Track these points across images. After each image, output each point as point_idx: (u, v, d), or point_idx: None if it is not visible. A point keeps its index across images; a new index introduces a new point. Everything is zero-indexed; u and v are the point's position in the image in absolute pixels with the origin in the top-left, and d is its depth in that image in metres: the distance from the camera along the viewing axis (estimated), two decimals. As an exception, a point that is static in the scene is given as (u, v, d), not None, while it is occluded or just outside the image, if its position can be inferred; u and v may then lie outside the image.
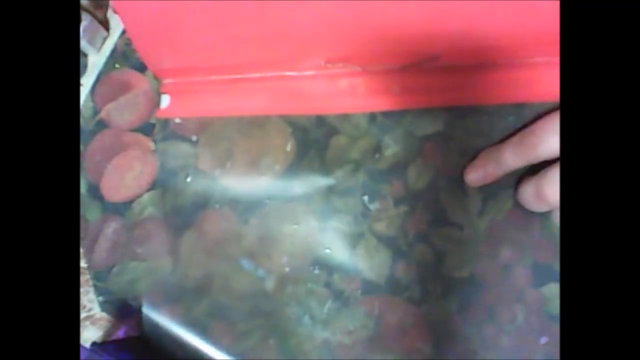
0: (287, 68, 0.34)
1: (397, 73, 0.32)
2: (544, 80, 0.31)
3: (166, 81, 0.36)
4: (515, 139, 0.30)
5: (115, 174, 0.36)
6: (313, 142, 0.34)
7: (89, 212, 0.36)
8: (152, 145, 0.36)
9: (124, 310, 0.36)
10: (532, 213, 0.31)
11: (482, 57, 0.31)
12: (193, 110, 0.35)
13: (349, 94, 0.33)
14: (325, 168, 0.34)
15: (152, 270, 0.35)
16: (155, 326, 0.35)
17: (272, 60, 0.33)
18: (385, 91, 0.33)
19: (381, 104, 0.33)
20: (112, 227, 0.36)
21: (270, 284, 0.34)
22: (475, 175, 0.31)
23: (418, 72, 0.32)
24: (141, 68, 0.37)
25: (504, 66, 0.31)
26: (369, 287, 0.33)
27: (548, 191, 0.28)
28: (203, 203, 0.35)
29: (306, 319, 0.33)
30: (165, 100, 0.36)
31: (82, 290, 0.36)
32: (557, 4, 0.25)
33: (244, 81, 0.35)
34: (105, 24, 0.38)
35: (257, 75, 0.34)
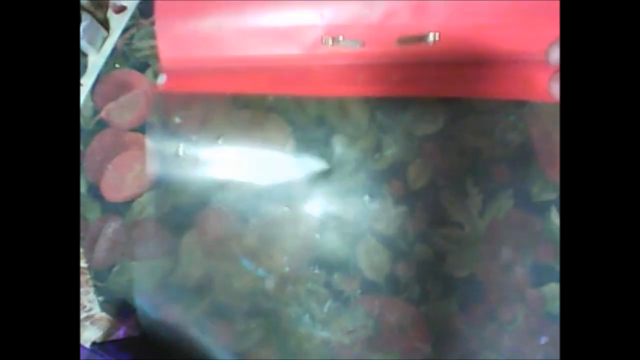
0: (287, 39, 0.33)
1: (398, 66, 0.32)
2: (544, 79, 0.31)
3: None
4: None
5: (115, 174, 0.36)
6: (313, 142, 0.34)
7: (89, 212, 0.36)
8: (152, 145, 0.36)
9: (124, 310, 0.36)
10: (532, 213, 0.31)
11: (480, 47, 0.31)
12: (191, 86, 0.35)
13: (349, 82, 0.33)
14: (325, 168, 0.34)
15: (152, 270, 0.35)
16: (155, 325, 0.35)
17: (272, 34, 0.33)
18: (385, 80, 0.33)
19: (380, 91, 0.33)
20: (112, 227, 0.36)
21: (270, 284, 0.34)
22: None
23: (418, 64, 0.32)
24: (141, 68, 0.37)
25: (505, 62, 0.31)
26: (369, 287, 0.33)
27: None
28: (203, 203, 0.35)
29: (306, 318, 0.33)
30: (162, 78, 0.35)
31: (82, 290, 0.36)
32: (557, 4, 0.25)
33: (244, 60, 0.34)
34: (105, 24, 0.38)
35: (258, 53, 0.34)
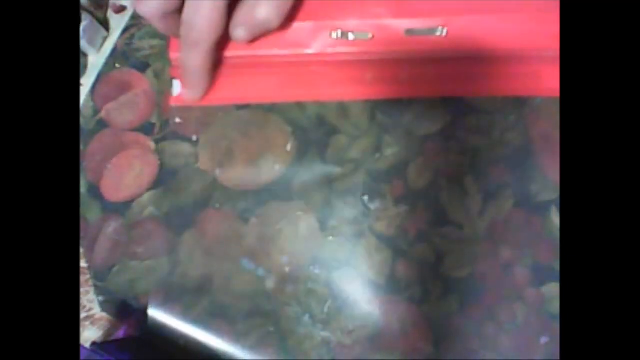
0: (296, 37, 0.33)
1: (405, 63, 0.32)
2: (545, 75, 0.31)
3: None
4: None
5: (115, 173, 0.36)
6: (313, 142, 0.34)
7: (89, 212, 0.36)
8: (152, 145, 0.36)
9: (124, 310, 0.36)
10: (532, 213, 0.31)
11: (488, 42, 0.31)
12: (205, 99, 0.35)
13: (356, 81, 0.33)
14: (325, 168, 0.34)
15: (152, 270, 0.35)
16: (156, 326, 0.35)
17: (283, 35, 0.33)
18: (393, 80, 0.32)
19: (388, 92, 0.33)
20: (112, 226, 0.36)
21: (270, 284, 0.34)
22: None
23: (424, 62, 0.32)
24: (141, 68, 0.37)
25: (511, 58, 0.31)
26: (369, 287, 0.33)
27: None
28: (203, 203, 0.35)
29: (306, 318, 0.33)
30: (177, 86, 0.35)
31: (82, 290, 0.36)
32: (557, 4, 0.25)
33: (254, 65, 0.34)
34: (105, 24, 0.38)
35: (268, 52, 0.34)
